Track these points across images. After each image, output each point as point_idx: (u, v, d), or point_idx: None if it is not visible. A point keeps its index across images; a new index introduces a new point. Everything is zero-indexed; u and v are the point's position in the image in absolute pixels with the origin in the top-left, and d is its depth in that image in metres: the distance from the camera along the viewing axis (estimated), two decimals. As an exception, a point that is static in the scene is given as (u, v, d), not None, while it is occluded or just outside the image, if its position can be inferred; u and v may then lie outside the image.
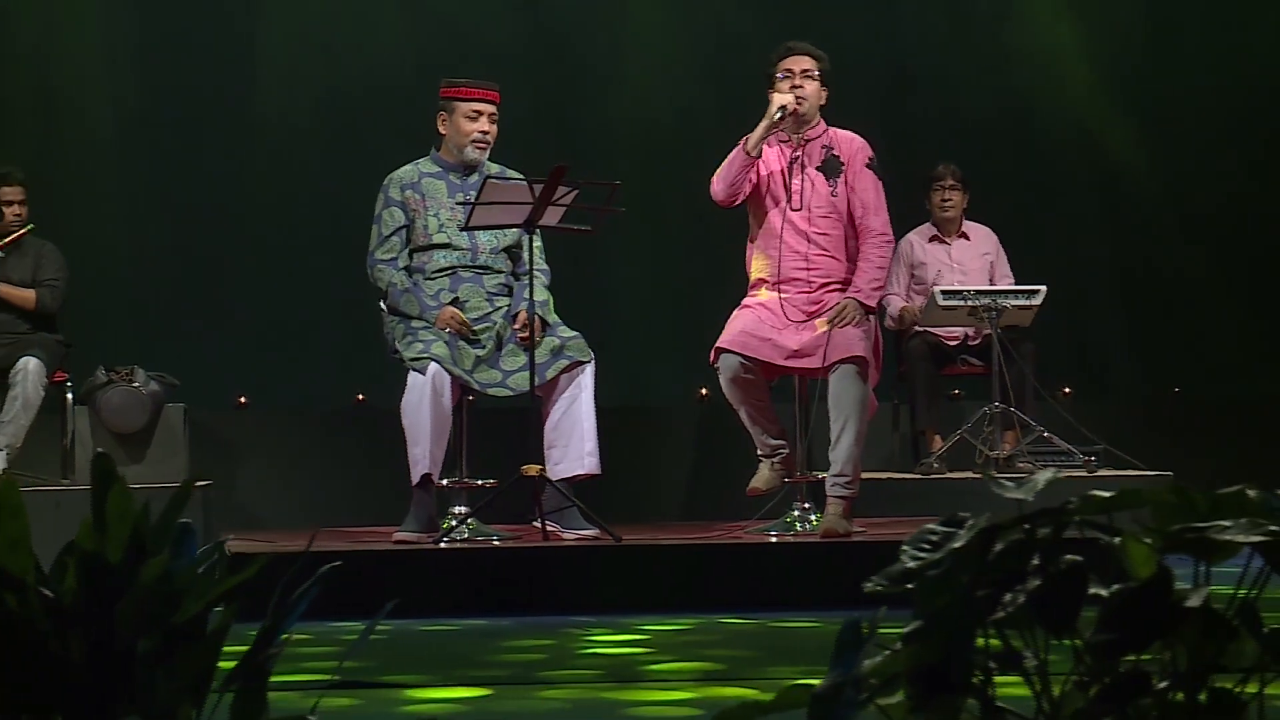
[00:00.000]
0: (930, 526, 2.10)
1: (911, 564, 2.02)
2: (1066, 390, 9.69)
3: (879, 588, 2.04)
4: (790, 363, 6.27)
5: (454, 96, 6.58)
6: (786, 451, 6.40)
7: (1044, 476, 2.23)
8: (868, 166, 6.44)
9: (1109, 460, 8.33)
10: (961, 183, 8.87)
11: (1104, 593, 2.06)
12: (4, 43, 9.68)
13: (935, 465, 8.23)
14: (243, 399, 9.30)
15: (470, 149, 6.55)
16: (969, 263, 8.85)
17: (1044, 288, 8.30)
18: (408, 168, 6.67)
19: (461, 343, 6.32)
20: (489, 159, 6.66)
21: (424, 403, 6.16)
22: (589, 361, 6.39)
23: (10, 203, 8.12)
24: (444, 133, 6.62)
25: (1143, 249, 10.30)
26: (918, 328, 8.62)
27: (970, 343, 8.67)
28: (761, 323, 6.28)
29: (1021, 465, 8.20)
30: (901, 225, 8.92)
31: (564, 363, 6.33)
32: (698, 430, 9.11)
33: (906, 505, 7.70)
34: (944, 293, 8.24)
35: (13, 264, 8.15)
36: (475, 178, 6.48)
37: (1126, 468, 8.23)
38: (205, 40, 9.74)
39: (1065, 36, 10.41)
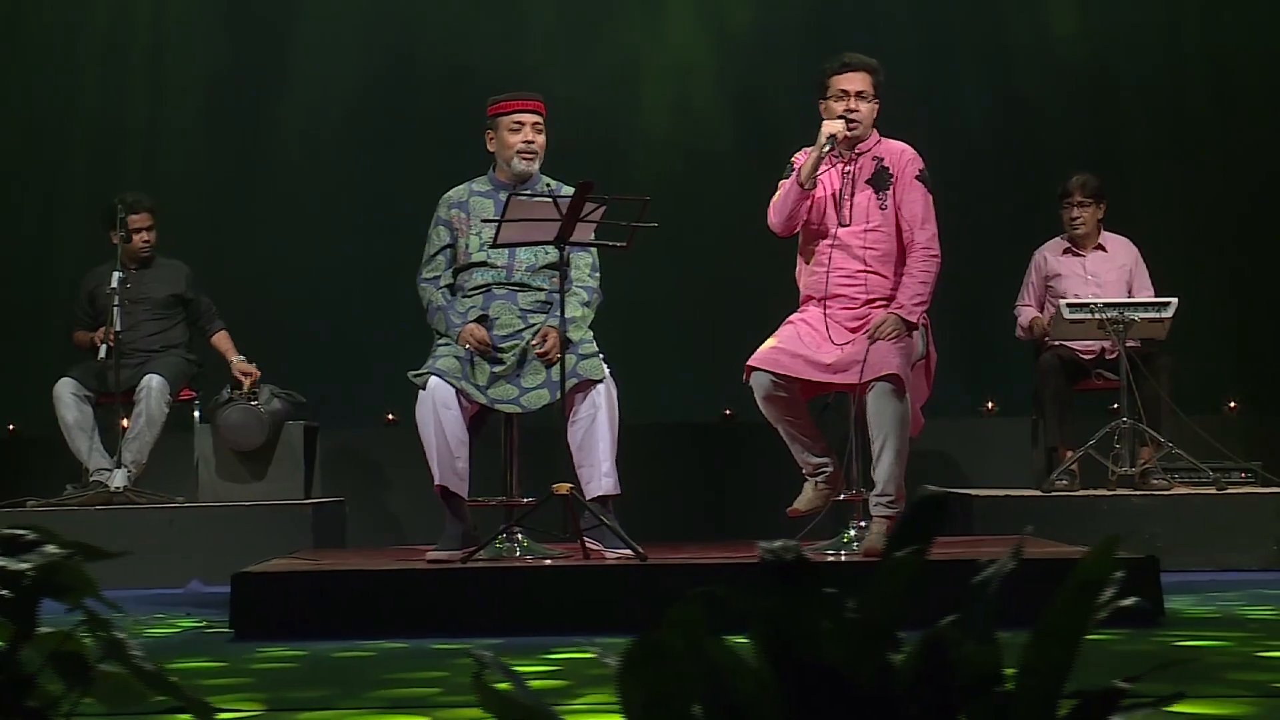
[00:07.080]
0: None
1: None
2: (1233, 404, 9.27)
3: None
4: (826, 378, 6.07)
5: (497, 112, 6.56)
6: (831, 469, 6.21)
7: None
8: (917, 179, 6.21)
9: (1261, 479, 7.97)
10: (1094, 196, 8.53)
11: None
12: (119, 80, 10.12)
13: (1062, 482, 7.95)
14: (390, 416, 9.43)
15: (517, 160, 6.51)
16: (1104, 274, 8.52)
17: (1175, 300, 7.96)
18: (460, 187, 6.66)
19: (477, 358, 6.30)
20: (543, 173, 6.62)
21: (428, 416, 6.23)
22: (601, 380, 6.29)
23: (139, 230, 8.38)
24: (492, 150, 6.60)
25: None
26: (1051, 341, 8.34)
27: (1106, 356, 8.33)
28: (799, 339, 6.09)
29: (1155, 482, 7.90)
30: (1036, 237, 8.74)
31: (574, 381, 6.21)
32: (738, 449, 8.95)
33: (1027, 523, 7.43)
34: (1070, 305, 7.98)
35: (149, 283, 8.40)
36: (528, 195, 6.41)
37: (1275, 486, 7.86)
38: (305, 66, 10.01)
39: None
